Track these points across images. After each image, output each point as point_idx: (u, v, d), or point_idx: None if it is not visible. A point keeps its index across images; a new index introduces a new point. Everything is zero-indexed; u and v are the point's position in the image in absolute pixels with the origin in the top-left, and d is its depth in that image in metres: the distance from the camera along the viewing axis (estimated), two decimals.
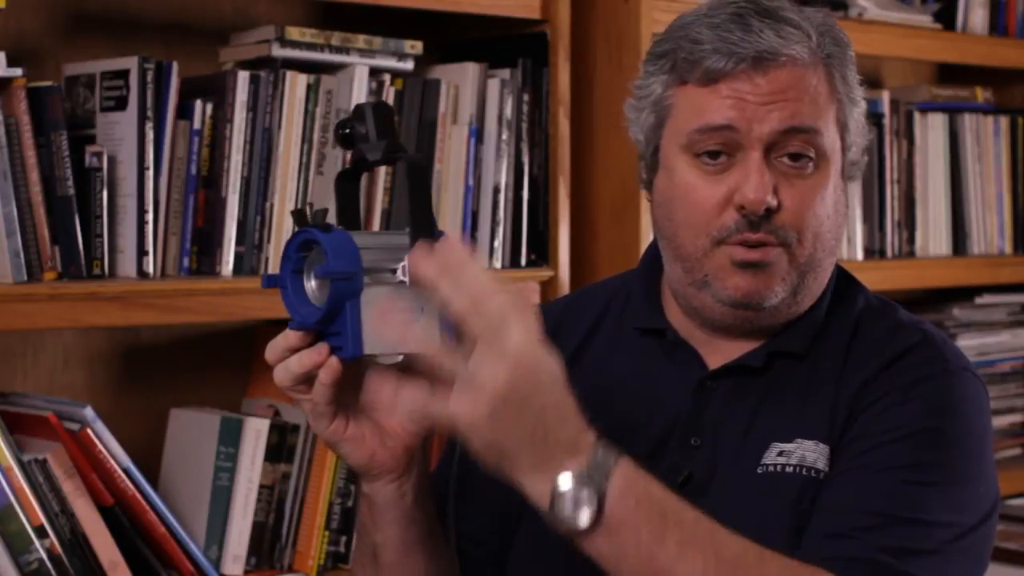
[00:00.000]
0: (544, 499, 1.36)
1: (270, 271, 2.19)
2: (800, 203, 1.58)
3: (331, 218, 1.49)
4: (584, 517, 1.36)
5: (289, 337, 1.48)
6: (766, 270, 1.58)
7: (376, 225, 2.36)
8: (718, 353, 1.65)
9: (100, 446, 2.11)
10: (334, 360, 1.46)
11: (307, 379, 1.48)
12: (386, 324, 1.46)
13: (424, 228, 1.50)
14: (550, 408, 1.35)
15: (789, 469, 1.58)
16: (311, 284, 1.48)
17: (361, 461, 1.53)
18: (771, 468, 1.59)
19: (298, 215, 1.48)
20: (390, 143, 1.50)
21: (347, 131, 1.51)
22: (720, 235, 1.58)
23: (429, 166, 1.50)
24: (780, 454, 1.59)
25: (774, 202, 1.57)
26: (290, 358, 1.48)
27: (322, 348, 1.46)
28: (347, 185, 1.54)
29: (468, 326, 1.32)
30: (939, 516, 1.53)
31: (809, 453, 1.58)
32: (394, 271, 1.48)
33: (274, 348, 1.49)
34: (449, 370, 1.33)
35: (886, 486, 1.53)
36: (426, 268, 1.34)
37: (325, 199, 2.32)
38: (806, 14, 1.61)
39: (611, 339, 1.72)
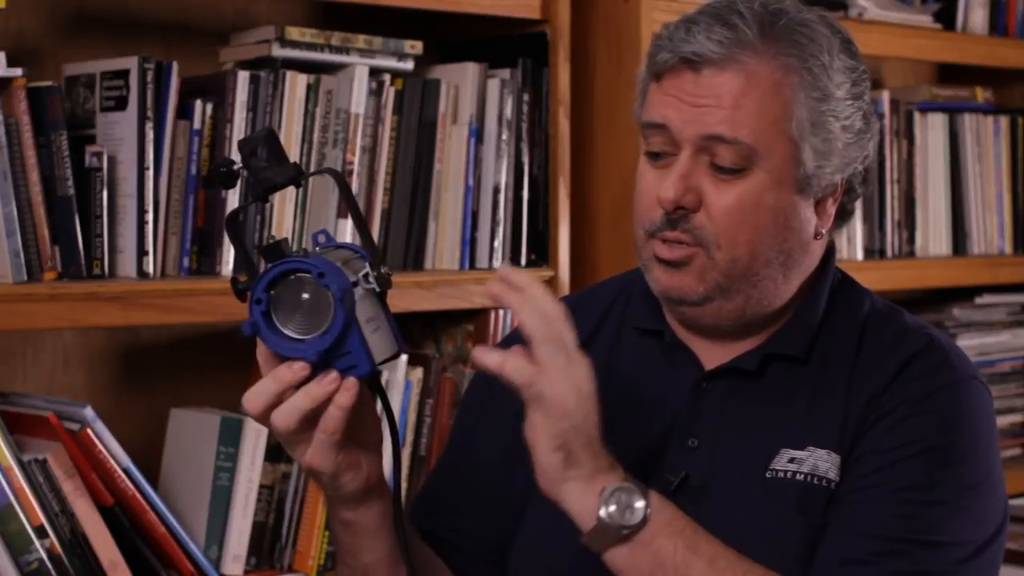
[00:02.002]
0: (590, 508, 1.45)
1: None
2: (721, 208, 1.57)
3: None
4: (636, 515, 1.46)
5: (283, 378, 1.45)
6: (681, 268, 1.59)
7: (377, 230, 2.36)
8: (714, 355, 1.66)
9: (100, 446, 2.11)
10: (352, 381, 1.45)
11: (311, 417, 1.46)
12: (372, 333, 1.47)
13: (367, 232, 1.52)
14: (598, 426, 1.47)
15: (800, 477, 1.58)
16: (290, 320, 1.45)
17: (360, 487, 1.53)
18: (780, 474, 1.59)
19: (273, 249, 1.46)
20: (295, 164, 1.49)
21: (226, 169, 1.49)
22: (650, 228, 1.60)
23: (343, 175, 1.52)
24: (791, 460, 1.59)
25: (689, 202, 1.57)
26: (293, 398, 1.45)
27: (334, 375, 1.45)
28: (236, 226, 1.53)
29: (545, 345, 1.44)
30: (954, 535, 1.54)
31: (822, 463, 1.58)
32: (355, 283, 1.47)
33: (261, 395, 1.46)
34: (548, 356, 1.43)
35: (901, 508, 1.53)
36: (505, 294, 1.46)
37: (325, 199, 2.32)
38: (778, 20, 1.57)
39: (613, 339, 1.73)
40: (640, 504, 1.46)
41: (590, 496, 1.46)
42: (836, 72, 1.59)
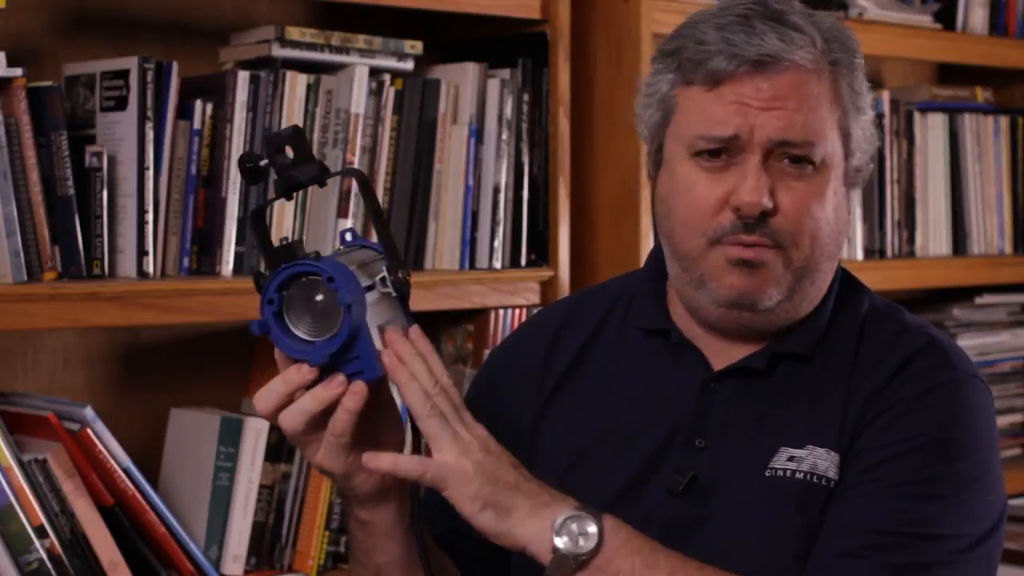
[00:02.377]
0: (545, 541, 1.46)
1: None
2: (797, 207, 1.57)
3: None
4: (589, 541, 1.46)
5: (292, 379, 1.46)
6: (761, 270, 1.58)
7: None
8: (722, 355, 1.65)
9: (100, 446, 2.11)
10: (360, 385, 1.45)
11: (319, 419, 1.47)
12: (383, 338, 1.48)
13: (388, 235, 1.51)
14: (520, 468, 1.50)
15: (799, 475, 1.58)
16: (301, 322, 1.46)
17: (373, 488, 1.53)
18: (780, 472, 1.59)
19: (287, 251, 1.47)
20: (320, 163, 1.49)
21: (254, 164, 1.49)
22: (716, 235, 1.58)
23: (367, 177, 1.52)
24: (790, 459, 1.59)
25: (770, 205, 1.56)
26: (301, 400, 1.46)
27: (340, 379, 1.45)
28: (263, 221, 1.53)
29: (428, 421, 1.47)
30: (951, 529, 1.54)
31: (821, 461, 1.58)
32: (372, 286, 1.48)
33: (272, 395, 1.47)
34: (434, 432, 1.46)
35: (897, 502, 1.53)
36: (395, 369, 1.48)
37: (325, 199, 2.32)
38: (816, 18, 1.60)
39: (616, 339, 1.72)
40: (592, 530, 1.47)
41: (543, 531, 1.47)
42: (862, 69, 1.63)
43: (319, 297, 1.45)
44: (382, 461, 1.46)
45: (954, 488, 1.55)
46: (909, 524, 1.52)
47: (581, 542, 1.46)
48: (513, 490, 1.47)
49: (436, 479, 1.46)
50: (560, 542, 1.46)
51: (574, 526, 1.46)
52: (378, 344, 1.46)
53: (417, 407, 1.47)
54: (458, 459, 1.46)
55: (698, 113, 1.59)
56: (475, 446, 1.47)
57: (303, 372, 1.45)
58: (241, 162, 1.48)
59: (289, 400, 1.47)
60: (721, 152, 1.58)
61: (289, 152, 1.49)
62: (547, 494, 1.49)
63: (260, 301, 1.46)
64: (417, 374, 1.47)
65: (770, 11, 1.58)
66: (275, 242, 1.50)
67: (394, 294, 1.49)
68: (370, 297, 1.47)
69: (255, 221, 1.52)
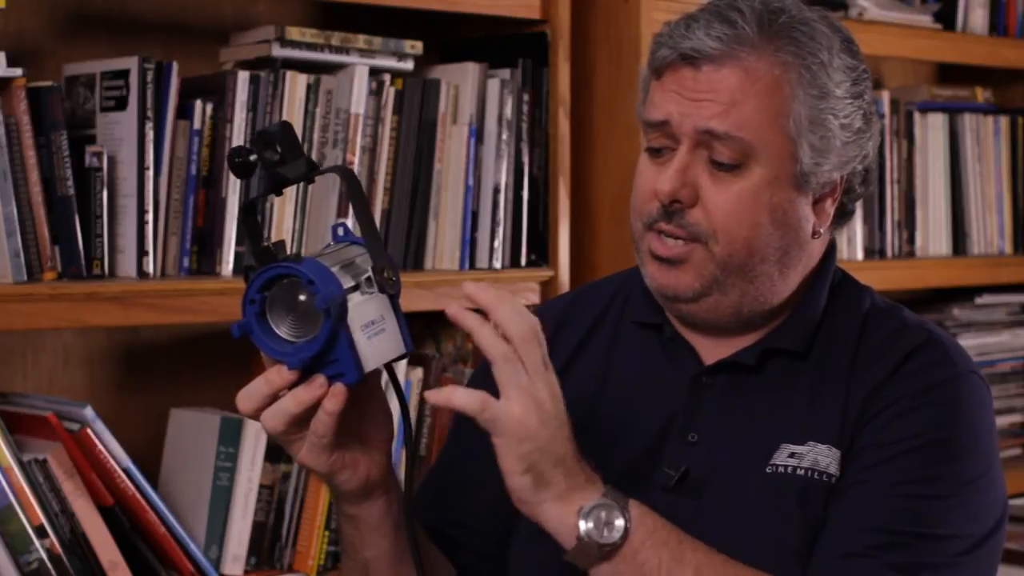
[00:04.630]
0: (569, 526, 1.45)
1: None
2: (717, 203, 1.58)
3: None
4: (615, 533, 1.45)
5: (274, 381, 1.45)
6: (678, 265, 1.60)
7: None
8: (714, 349, 1.66)
9: (100, 446, 2.11)
10: (340, 388, 1.45)
11: (301, 419, 1.47)
12: (368, 339, 1.46)
13: (375, 236, 1.49)
14: (570, 442, 1.46)
15: (800, 471, 1.58)
16: (283, 322, 1.45)
17: (358, 485, 1.53)
18: (781, 469, 1.59)
19: (265, 253, 1.45)
20: (308, 159, 1.48)
21: (244, 159, 1.47)
22: (646, 221, 1.61)
23: (354, 174, 1.51)
24: (791, 455, 1.59)
25: (685, 196, 1.58)
26: (282, 401, 1.46)
27: (321, 381, 1.45)
28: (253, 217, 1.52)
29: (504, 365, 1.43)
30: (952, 529, 1.54)
31: (822, 457, 1.58)
32: (358, 285, 1.47)
33: (254, 396, 1.47)
34: (505, 379, 1.42)
35: (899, 502, 1.54)
36: (460, 316, 1.45)
37: (324, 202, 2.32)
38: (776, 17, 1.58)
39: (613, 333, 1.73)
40: (619, 521, 1.46)
41: (568, 516, 1.46)
42: (836, 70, 1.59)
43: (302, 298, 1.44)
44: (439, 396, 1.43)
45: (956, 487, 1.55)
46: (911, 524, 1.52)
47: (606, 532, 1.45)
48: (559, 465, 1.45)
49: (491, 421, 1.42)
50: (585, 530, 1.45)
51: (602, 514, 1.45)
52: (361, 345, 1.45)
53: (491, 350, 1.43)
54: (524, 412, 1.42)
55: (648, 102, 1.62)
56: (545, 401, 1.44)
57: (283, 374, 1.45)
58: (230, 157, 1.48)
59: (272, 400, 1.46)
60: (662, 150, 1.60)
61: (278, 148, 1.48)
62: (583, 477, 1.47)
63: (242, 301, 1.45)
64: (498, 318, 1.43)
65: (720, 7, 1.59)
66: (273, 239, 1.50)
67: (378, 294, 1.48)
68: (354, 298, 1.46)
69: (244, 217, 1.51)
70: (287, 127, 1.48)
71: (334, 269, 1.45)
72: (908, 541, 1.52)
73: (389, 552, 1.58)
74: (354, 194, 1.52)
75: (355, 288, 1.46)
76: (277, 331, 1.46)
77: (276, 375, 1.45)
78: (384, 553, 1.59)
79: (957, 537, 1.54)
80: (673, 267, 1.60)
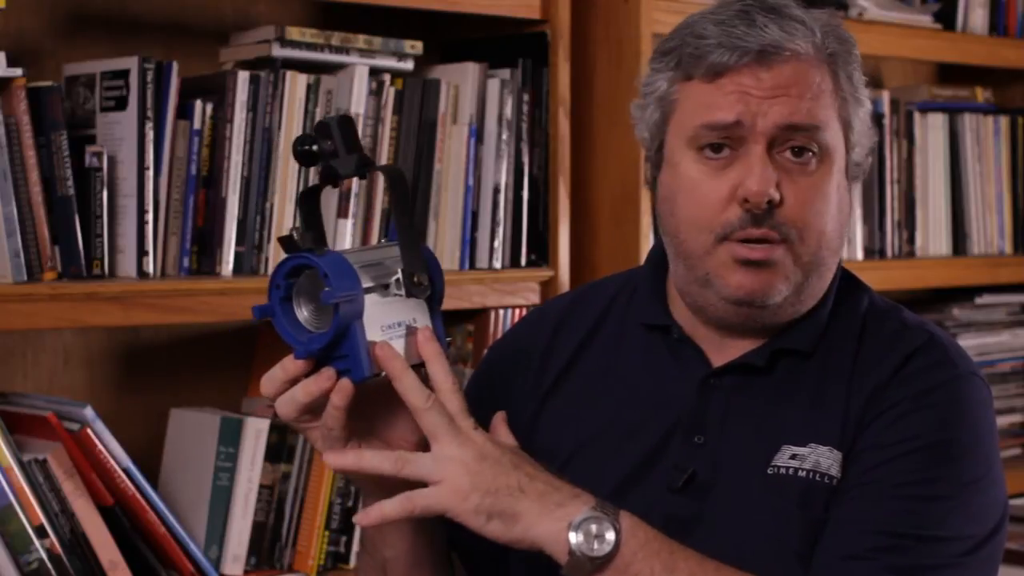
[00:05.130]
0: (561, 542, 1.45)
1: (270, 271, 2.19)
2: (803, 199, 1.57)
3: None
4: (606, 545, 1.46)
5: (288, 368, 1.47)
6: (769, 268, 1.57)
7: (376, 230, 2.36)
8: (723, 351, 1.65)
9: (100, 446, 2.11)
10: (346, 382, 1.46)
11: (312, 408, 1.48)
12: (390, 340, 1.47)
13: (410, 239, 1.50)
14: (525, 466, 1.48)
15: (802, 473, 1.58)
16: (304, 311, 1.47)
17: (375, 484, 1.54)
18: (782, 470, 1.58)
19: (287, 241, 1.47)
20: (360, 156, 1.49)
21: (307, 148, 1.49)
22: (723, 231, 1.57)
23: (403, 175, 1.51)
24: (793, 457, 1.59)
25: (777, 195, 1.55)
26: (293, 389, 1.47)
27: (329, 373, 1.46)
28: (311, 204, 1.52)
29: (424, 421, 1.47)
30: (953, 530, 1.54)
31: (823, 459, 1.58)
32: (387, 286, 1.47)
33: (272, 381, 1.49)
34: (415, 468, 1.46)
35: (899, 504, 1.53)
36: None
37: (325, 200, 2.32)
38: (812, 13, 1.61)
39: (616, 334, 1.72)
40: (610, 534, 1.46)
41: (559, 531, 1.46)
42: (856, 60, 1.63)
43: (326, 289, 1.45)
44: (368, 516, 1.47)
45: (956, 489, 1.55)
46: (912, 526, 1.52)
47: (597, 544, 1.46)
48: (516, 494, 1.46)
49: (428, 508, 1.46)
50: (576, 544, 1.45)
51: (592, 527, 1.46)
52: (376, 344, 1.46)
53: (414, 405, 1.47)
54: (453, 475, 1.45)
55: (700, 105, 1.58)
56: (473, 449, 1.47)
57: (297, 362, 1.47)
58: (295, 144, 1.49)
59: (289, 386, 1.48)
60: (723, 147, 1.57)
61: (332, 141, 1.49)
62: (559, 493, 1.48)
63: (268, 284, 1.47)
64: (402, 390, 1.47)
65: (768, 5, 1.59)
66: (287, 233, 1.51)
67: (405, 296, 1.48)
68: (374, 297, 1.46)
69: (301, 204, 1.52)
70: (344, 121, 1.49)
71: (359, 266, 1.45)
72: (909, 543, 1.52)
73: (408, 553, 1.59)
74: (397, 195, 1.52)
75: (383, 287, 1.47)
76: (299, 318, 1.47)
77: (291, 362, 1.47)
78: (403, 553, 1.59)
79: (957, 538, 1.54)
80: (762, 271, 1.57)
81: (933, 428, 1.56)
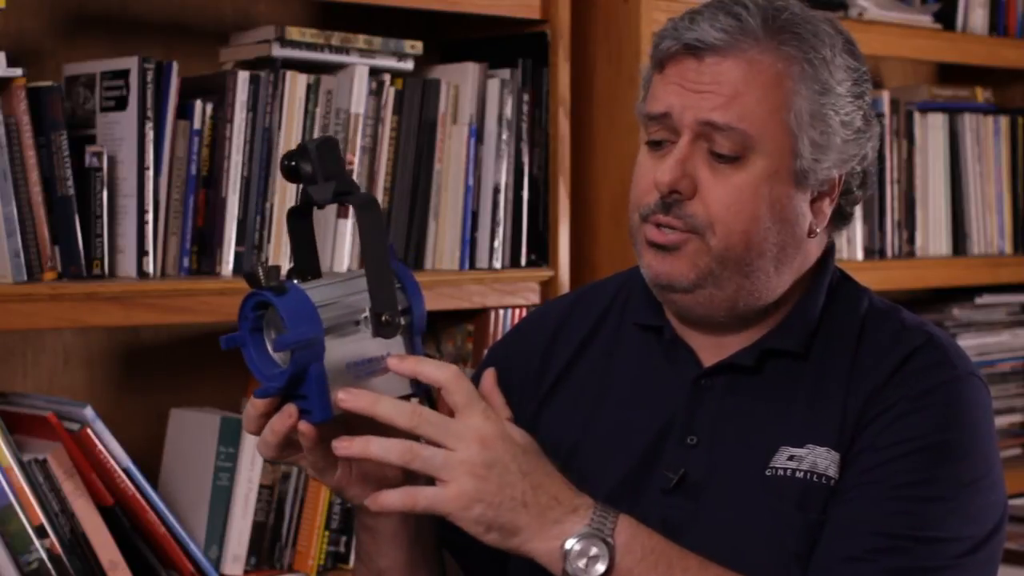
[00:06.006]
0: (555, 560, 1.46)
1: None
2: (717, 195, 1.57)
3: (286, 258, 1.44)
4: (600, 566, 1.46)
5: (256, 404, 1.45)
6: (673, 254, 1.59)
7: None
8: (712, 351, 1.65)
9: (100, 446, 2.11)
10: (305, 425, 1.43)
11: (290, 443, 1.46)
12: (356, 378, 1.44)
13: (380, 275, 1.45)
14: (534, 473, 1.47)
15: (800, 474, 1.58)
16: (271, 343, 1.44)
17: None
18: (780, 471, 1.58)
19: (250, 277, 1.42)
20: (338, 183, 1.44)
21: (292, 164, 1.45)
22: (644, 212, 1.60)
23: (376, 204, 1.45)
24: (791, 458, 1.59)
25: (684, 187, 1.57)
26: (264, 431, 1.46)
27: (291, 411, 1.43)
28: (300, 221, 1.49)
29: (422, 430, 1.45)
30: (953, 532, 1.53)
31: (821, 460, 1.58)
32: (357, 322, 1.44)
33: (249, 419, 1.47)
34: (424, 463, 1.44)
35: (899, 505, 1.53)
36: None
37: None
38: (779, 13, 1.58)
39: (613, 334, 1.73)
40: (602, 565, 1.46)
41: (552, 552, 1.46)
42: (837, 68, 1.60)
43: (282, 334, 1.41)
44: (374, 503, 1.46)
45: (954, 490, 1.55)
46: (910, 527, 1.52)
47: (590, 566, 1.46)
48: (519, 509, 1.46)
49: (431, 510, 1.45)
50: (570, 568, 1.46)
51: (587, 548, 1.46)
52: (339, 385, 1.42)
53: (398, 420, 1.44)
54: (459, 484, 1.44)
55: (650, 95, 1.62)
56: (483, 455, 1.45)
57: (255, 404, 1.45)
58: (282, 159, 1.46)
59: (265, 421, 1.46)
60: (663, 143, 1.60)
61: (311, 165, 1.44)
62: (559, 508, 1.47)
63: (237, 315, 1.44)
64: (384, 415, 1.44)
65: (727, 3, 1.59)
66: (251, 268, 1.47)
67: (372, 336, 1.44)
68: (341, 335, 1.42)
69: (289, 221, 1.49)
70: (324, 145, 1.44)
71: (326, 304, 1.42)
72: (907, 544, 1.52)
73: (403, 563, 1.59)
74: (365, 228, 1.46)
75: (354, 323, 1.43)
76: (269, 350, 1.44)
77: (258, 399, 1.46)
78: (398, 564, 1.59)
79: (956, 539, 1.53)
80: (669, 255, 1.59)
81: (932, 429, 1.56)
